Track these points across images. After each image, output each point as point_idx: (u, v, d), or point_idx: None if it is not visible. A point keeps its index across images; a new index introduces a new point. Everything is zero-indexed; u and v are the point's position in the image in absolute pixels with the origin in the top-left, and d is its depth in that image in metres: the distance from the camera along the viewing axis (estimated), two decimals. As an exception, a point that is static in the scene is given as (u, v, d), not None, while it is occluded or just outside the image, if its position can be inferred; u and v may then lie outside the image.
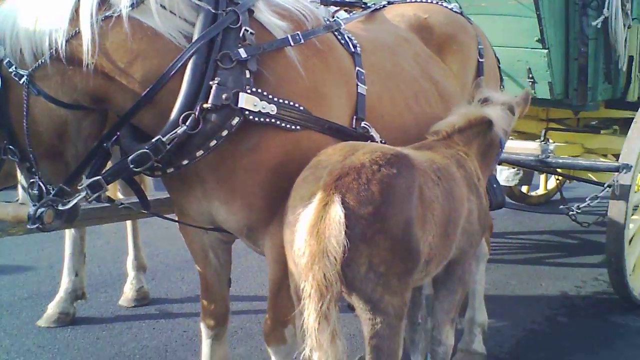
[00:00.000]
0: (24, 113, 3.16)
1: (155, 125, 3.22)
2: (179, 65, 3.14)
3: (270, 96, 3.25)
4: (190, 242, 3.88)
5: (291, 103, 3.31)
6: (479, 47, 4.60)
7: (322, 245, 2.76)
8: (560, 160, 5.88)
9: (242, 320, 5.69)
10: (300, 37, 3.43)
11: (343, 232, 2.74)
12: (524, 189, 8.80)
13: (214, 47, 3.20)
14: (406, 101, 3.91)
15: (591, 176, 6.13)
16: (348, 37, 3.79)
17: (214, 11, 3.26)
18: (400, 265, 2.92)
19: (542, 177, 8.78)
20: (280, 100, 3.28)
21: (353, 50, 3.74)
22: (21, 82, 3.12)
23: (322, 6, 4.49)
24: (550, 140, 6.49)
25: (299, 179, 3.07)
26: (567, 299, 6.33)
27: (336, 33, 3.75)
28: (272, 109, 3.24)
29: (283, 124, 3.29)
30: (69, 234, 5.71)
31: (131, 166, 3.21)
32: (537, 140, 6.38)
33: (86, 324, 5.72)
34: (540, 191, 8.99)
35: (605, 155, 6.46)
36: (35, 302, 6.05)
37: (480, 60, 4.59)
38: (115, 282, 6.49)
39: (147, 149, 3.17)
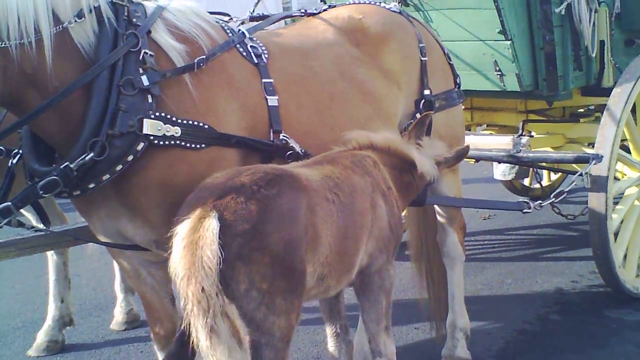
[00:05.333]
0: None
1: (63, 139, 3.29)
2: (79, 85, 3.21)
3: (174, 118, 3.32)
4: (120, 263, 3.89)
5: (195, 123, 3.36)
6: (420, 45, 4.50)
7: (196, 256, 2.74)
8: (531, 154, 5.72)
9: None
10: (203, 61, 3.48)
11: (217, 243, 2.74)
12: (526, 181, 8.60)
13: (116, 71, 3.25)
14: (317, 105, 3.91)
15: (576, 167, 5.95)
16: (251, 47, 3.78)
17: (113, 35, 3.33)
18: (283, 283, 2.91)
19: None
20: (184, 122, 3.34)
21: (256, 61, 3.74)
22: None
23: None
24: (533, 132, 6.32)
25: (186, 200, 3.08)
26: (562, 295, 6.18)
27: (238, 46, 3.75)
28: (176, 131, 3.31)
29: (188, 144, 3.34)
30: (51, 260, 5.71)
31: (40, 192, 3.25)
32: (514, 134, 6.21)
33: (76, 350, 5.72)
34: (544, 182, 8.78)
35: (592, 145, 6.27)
36: (28, 331, 6.05)
37: (423, 59, 4.49)
38: (109, 305, 6.45)
39: (56, 176, 3.20)
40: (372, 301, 3.58)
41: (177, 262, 2.81)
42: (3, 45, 3.08)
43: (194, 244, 2.77)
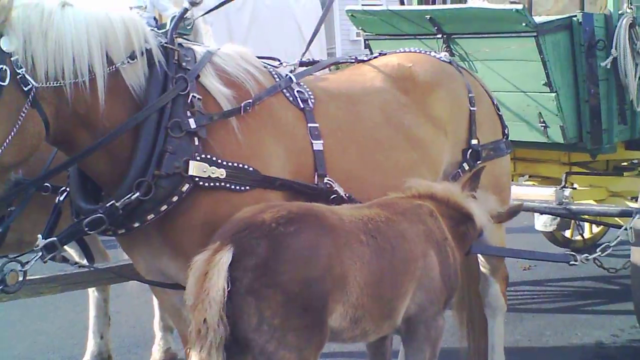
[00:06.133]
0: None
1: (111, 178, 3.36)
2: (130, 126, 3.29)
3: (219, 161, 3.37)
4: (161, 302, 3.90)
5: (240, 165, 3.41)
6: (470, 95, 4.53)
7: (204, 288, 2.86)
8: (574, 207, 5.70)
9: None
10: (250, 105, 3.54)
11: (224, 277, 2.85)
12: (567, 233, 8.53)
13: (164, 114, 3.32)
14: (362, 150, 3.96)
15: (619, 220, 5.91)
16: (298, 92, 3.84)
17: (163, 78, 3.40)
18: (297, 321, 2.96)
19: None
20: (230, 164, 3.38)
21: (302, 106, 3.80)
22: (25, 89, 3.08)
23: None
24: (575, 185, 6.30)
25: (216, 232, 3.17)
26: (602, 349, 6.10)
27: (285, 91, 3.82)
28: (221, 173, 3.36)
29: (232, 186, 3.39)
30: (92, 296, 5.77)
31: (86, 229, 3.32)
32: (557, 186, 6.18)
33: (114, 387, 5.73)
34: (586, 235, 8.70)
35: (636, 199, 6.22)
36: (67, 366, 6.09)
37: (471, 109, 4.51)
38: (148, 342, 6.44)
39: (102, 214, 3.27)
40: (416, 349, 3.57)
41: (189, 291, 2.96)
42: (58, 84, 3.15)
43: (203, 276, 2.90)
